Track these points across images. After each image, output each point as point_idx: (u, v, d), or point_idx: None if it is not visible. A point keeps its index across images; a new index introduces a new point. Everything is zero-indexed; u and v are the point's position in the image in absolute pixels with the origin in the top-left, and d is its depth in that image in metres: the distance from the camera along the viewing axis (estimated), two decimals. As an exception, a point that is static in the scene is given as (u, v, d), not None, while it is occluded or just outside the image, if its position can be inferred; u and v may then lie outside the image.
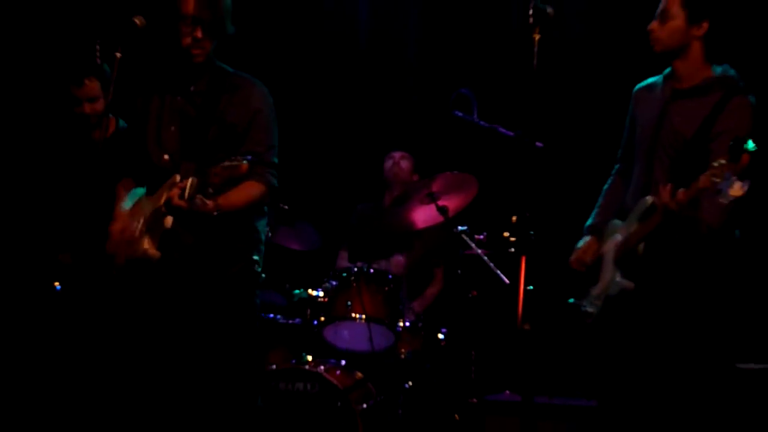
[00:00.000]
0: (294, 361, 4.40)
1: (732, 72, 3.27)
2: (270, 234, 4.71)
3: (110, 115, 3.95)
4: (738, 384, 3.86)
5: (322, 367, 4.24)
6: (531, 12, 3.03)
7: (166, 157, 3.25)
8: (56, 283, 4.01)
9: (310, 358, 4.40)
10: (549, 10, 3.04)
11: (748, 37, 4.61)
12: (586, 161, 4.92)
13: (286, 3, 5.85)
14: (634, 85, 3.56)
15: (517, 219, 3.05)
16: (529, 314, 2.93)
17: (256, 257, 3.34)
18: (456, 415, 4.61)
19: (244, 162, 2.91)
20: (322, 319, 4.51)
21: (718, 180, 2.86)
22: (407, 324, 4.53)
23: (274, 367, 4.29)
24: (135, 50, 3.18)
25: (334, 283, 4.56)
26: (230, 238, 3.27)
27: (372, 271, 4.55)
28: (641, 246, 3.26)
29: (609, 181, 3.66)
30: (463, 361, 4.60)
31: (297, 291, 4.78)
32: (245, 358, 3.28)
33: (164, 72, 3.34)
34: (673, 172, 3.22)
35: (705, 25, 3.24)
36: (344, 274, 4.55)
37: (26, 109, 4.97)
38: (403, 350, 4.52)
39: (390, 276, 4.59)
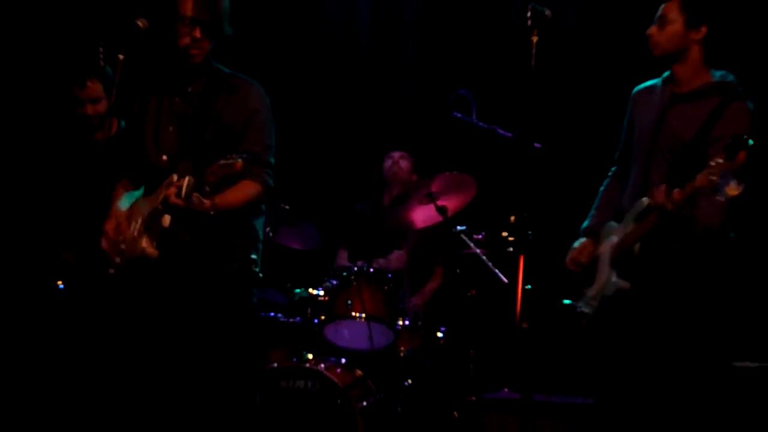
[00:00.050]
0: (295, 360, 4.39)
1: (731, 77, 3.27)
2: (271, 234, 4.71)
3: (112, 116, 3.94)
4: (734, 382, 3.86)
5: (322, 365, 4.24)
6: (529, 14, 3.03)
7: (164, 157, 3.24)
8: (59, 282, 4.00)
9: (310, 356, 4.40)
10: (547, 12, 3.04)
11: (746, 41, 4.60)
12: (583, 162, 4.91)
13: (286, 5, 5.84)
14: (632, 87, 3.55)
15: (515, 219, 3.05)
16: (527, 313, 2.93)
17: (254, 256, 3.33)
18: (455, 413, 4.60)
19: (239, 160, 2.91)
20: (323, 317, 4.50)
21: (715, 178, 2.85)
22: (407, 322, 4.53)
23: (275, 365, 4.29)
24: (137, 52, 3.17)
25: (334, 282, 4.56)
26: (228, 237, 3.26)
27: (372, 270, 4.55)
28: (637, 246, 3.26)
29: (606, 183, 3.66)
30: (462, 360, 4.60)
31: (298, 290, 4.78)
32: (243, 356, 3.27)
33: (162, 73, 3.32)
34: (671, 175, 3.22)
35: (703, 29, 3.24)
36: (344, 274, 4.54)
37: (30, 110, 4.96)
38: (402, 348, 4.51)
39: (389, 275, 4.58)
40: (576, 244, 3.53)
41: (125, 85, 3.16)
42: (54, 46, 5.06)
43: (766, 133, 3.19)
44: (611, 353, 3.39)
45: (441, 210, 4.34)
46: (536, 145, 3.68)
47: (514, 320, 2.93)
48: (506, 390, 4.58)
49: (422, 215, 4.51)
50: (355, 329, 4.54)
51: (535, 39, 3.03)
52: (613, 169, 3.65)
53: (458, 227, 4.51)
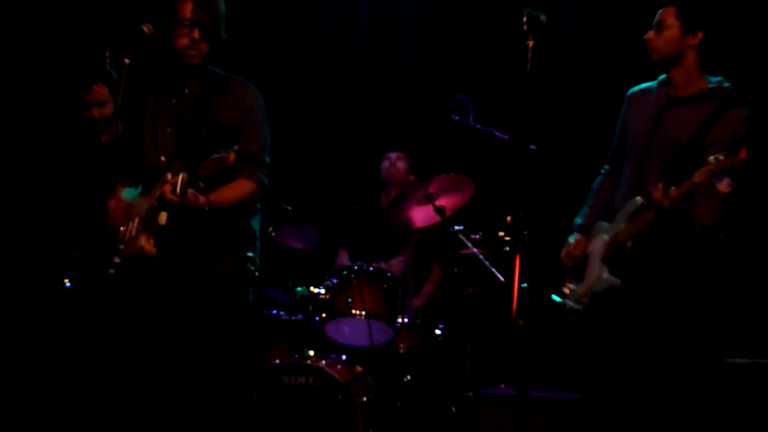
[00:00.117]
0: (296, 356, 4.39)
1: (727, 84, 3.28)
2: (274, 233, 4.71)
3: (118, 119, 3.94)
4: (725, 378, 3.85)
5: (323, 362, 4.24)
6: (525, 20, 3.03)
7: (162, 158, 3.24)
8: (66, 281, 4.00)
9: (312, 353, 4.39)
10: (542, 17, 3.04)
11: (742, 46, 4.61)
12: (577, 164, 4.91)
13: (286, 7, 5.84)
14: (625, 91, 3.56)
15: (511, 219, 3.06)
16: (523, 310, 2.93)
17: (251, 254, 3.32)
18: (453, 408, 4.61)
19: (231, 153, 2.91)
20: (324, 315, 4.50)
21: (714, 170, 2.86)
22: (406, 320, 4.53)
23: (277, 361, 4.29)
24: (143, 56, 3.17)
25: (334, 280, 4.55)
26: (225, 236, 3.26)
27: (371, 269, 4.54)
28: (629, 243, 3.26)
29: (598, 181, 3.65)
30: (460, 356, 4.60)
31: (299, 288, 4.77)
32: (239, 353, 3.26)
33: (158, 74, 3.32)
34: (667, 176, 3.22)
35: (699, 34, 3.25)
36: (345, 272, 4.54)
37: (38, 113, 4.96)
38: (401, 345, 4.51)
39: (389, 274, 4.58)
40: (571, 239, 3.54)
41: (127, 87, 3.16)
42: (61, 51, 5.06)
43: (760, 139, 3.22)
44: (602, 349, 3.38)
45: (439, 210, 4.34)
46: (532, 147, 3.68)
47: (511, 317, 2.93)
48: (503, 386, 4.58)
49: (421, 215, 4.52)
50: (355, 326, 4.54)
51: (530, 44, 3.03)
52: (605, 167, 3.65)
53: (456, 227, 4.51)
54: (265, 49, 5.79)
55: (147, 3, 3.29)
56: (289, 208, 4.80)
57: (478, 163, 5.04)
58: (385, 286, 4.51)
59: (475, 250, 4.47)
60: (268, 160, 3.31)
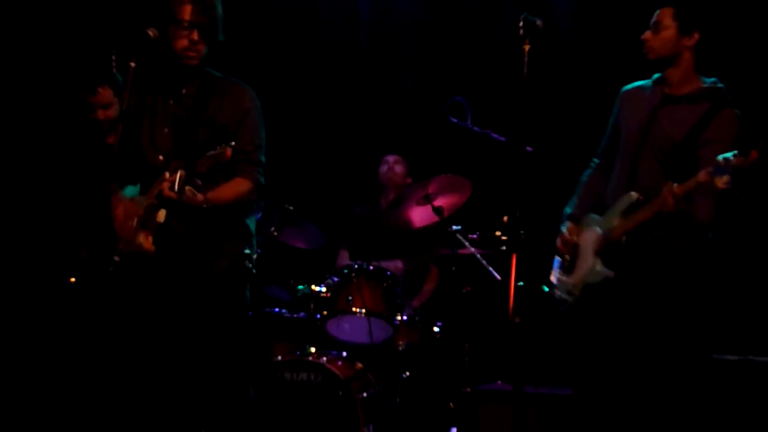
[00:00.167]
0: (298, 353, 4.39)
1: (721, 85, 3.29)
2: (276, 233, 4.71)
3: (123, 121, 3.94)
4: (717, 375, 3.86)
5: (324, 358, 4.24)
6: (521, 24, 3.04)
7: (160, 157, 3.25)
8: (72, 279, 4.01)
9: (313, 349, 4.40)
10: (538, 22, 3.05)
11: (737, 48, 4.63)
12: (573, 165, 4.90)
13: (286, 11, 5.84)
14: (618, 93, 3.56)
15: (508, 219, 3.06)
16: (519, 308, 2.93)
17: (247, 251, 3.33)
18: (450, 404, 4.61)
19: (228, 148, 2.93)
20: (325, 313, 4.51)
21: (720, 168, 2.86)
22: (405, 318, 4.54)
23: (279, 358, 4.29)
24: (147, 59, 3.18)
25: (335, 279, 4.56)
26: (221, 234, 3.26)
27: (371, 268, 4.55)
28: (624, 238, 3.26)
29: (587, 174, 3.63)
30: (458, 353, 4.60)
31: (301, 287, 4.78)
32: (236, 349, 3.27)
33: (157, 75, 3.32)
34: (663, 173, 3.22)
35: (696, 35, 3.26)
36: (345, 271, 4.55)
37: (45, 115, 4.97)
38: (400, 342, 4.52)
39: (388, 272, 4.59)
40: (563, 228, 3.52)
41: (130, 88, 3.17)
42: (68, 55, 5.06)
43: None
44: (594, 342, 3.37)
45: (437, 210, 4.34)
46: (528, 148, 3.69)
47: (507, 315, 2.94)
48: (499, 382, 4.58)
49: (420, 215, 4.52)
50: (355, 324, 4.55)
51: (527, 47, 3.04)
52: (594, 160, 3.64)
53: (454, 227, 4.52)
54: (268, 55, 5.79)
55: (146, 5, 3.30)
56: (292, 208, 4.81)
57: (475, 164, 5.04)
58: (385, 284, 4.52)
59: (473, 249, 4.48)
60: (263, 159, 3.32)
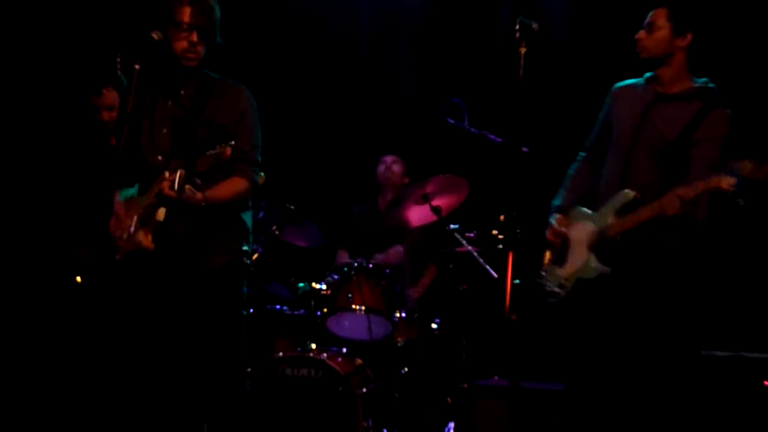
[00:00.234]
0: (299, 349, 4.39)
1: (712, 85, 3.28)
2: (278, 232, 4.71)
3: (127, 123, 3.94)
4: (710, 371, 3.86)
5: (324, 355, 4.24)
6: (517, 27, 3.04)
7: (159, 157, 3.25)
8: (78, 279, 4.00)
9: (314, 346, 4.40)
10: (534, 25, 3.05)
11: (730, 49, 4.63)
12: (568, 165, 4.91)
13: (287, 12, 5.83)
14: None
15: (504, 218, 3.06)
16: (515, 306, 2.93)
17: (245, 248, 3.34)
18: (448, 399, 4.61)
19: (228, 147, 2.93)
20: (325, 310, 4.51)
21: (731, 180, 2.85)
22: (403, 314, 4.54)
23: (280, 354, 4.29)
24: (151, 61, 3.18)
25: (335, 277, 4.56)
26: (219, 231, 3.26)
27: (371, 266, 4.55)
28: (620, 236, 3.24)
29: (575, 168, 3.60)
30: (455, 349, 4.60)
31: (301, 284, 4.78)
32: (233, 344, 3.26)
33: (155, 76, 3.31)
34: (657, 172, 3.21)
35: (689, 36, 3.25)
36: (345, 269, 4.55)
37: (50, 116, 4.96)
38: (399, 339, 4.52)
39: (387, 270, 4.59)
40: (552, 220, 3.48)
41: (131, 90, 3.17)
42: (73, 57, 5.06)
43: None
44: (588, 337, 3.35)
45: (435, 210, 4.34)
46: (524, 149, 3.69)
47: (504, 312, 2.94)
48: (496, 377, 4.58)
49: (418, 215, 4.52)
50: (355, 321, 4.54)
51: (523, 50, 3.04)
52: (582, 154, 3.61)
53: (451, 226, 4.52)
54: (268, 56, 5.79)
55: (147, 8, 3.30)
56: (293, 207, 4.81)
57: (472, 165, 5.04)
58: (384, 282, 4.52)
59: (470, 247, 4.48)
60: (260, 159, 3.32)
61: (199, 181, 3.05)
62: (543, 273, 3.47)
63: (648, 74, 3.38)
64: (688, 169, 3.16)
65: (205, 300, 3.23)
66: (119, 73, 3.99)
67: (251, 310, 4.65)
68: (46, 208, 4.43)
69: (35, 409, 4.13)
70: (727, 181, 2.88)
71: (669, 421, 3.21)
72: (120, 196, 3.31)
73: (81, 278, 3.99)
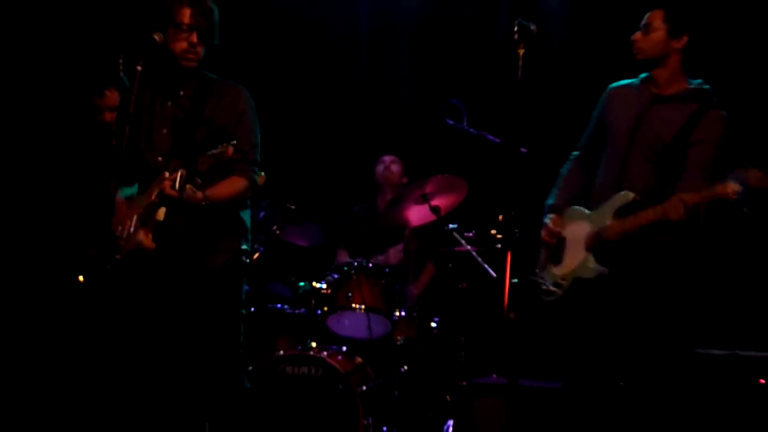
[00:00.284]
0: (300, 348, 4.39)
1: (707, 86, 3.27)
2: (279, 231, 4.71)
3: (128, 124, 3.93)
4: (706, 369, 3.85)
5: (325, 353, 4.24)
6: (516, 29, 3.03)
7: (159, 158, 3.24)
8: (80, 278, 4.00)
9: (314, 344, 4.39)
10: (532, 27, 3.04)
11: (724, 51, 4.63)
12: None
13: (287, 12, 5.83)
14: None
15: (503, 218, 3.05)
16: (513, 304, 2.92)
17: (244, 247, 3.33)
18: (447, 397, 4.61)
19: (230, 147, 2.93)
20: (325, 309, 4.50)
21: (737, 188, 2.84)
22: (403, 313, 4.53)
23: (281, 353, 4.29)
24: (153, 63, 3.17)
25: (336, 276, 4.55)
26: (219, 229, 3.26)
27: (371, 265, 4.54)
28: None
29: (567, 167, 3.57)
30: (454, 347, 4.60)
31: (302, 283, 4.78)
32: (231, 343, 3.26)
33: (154, 76, 3.31)
34: (655, 174, 3.20)
35: (685, 38, 3.24)
36: (345, 268, 4.54)
37: (54, 117, 4.96)
38: (399, 337, 4.51)
39: (387, 270, 4.58)
40: (547, 219, 3.46)
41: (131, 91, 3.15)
42: (76, 58, 5.06)
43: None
44: (583, 336, 3.34)
45: (434, 209, 4.34)
46: (522, 149, 3.68)
47: (502, 311, 2.93)
48: (495, 375, 4.58)
49: (417, 214, 4.52)
50: (355, 320, 4.54)
51: (521, 52, 3.03)
52: (575, 153, 3.59)
53: (450, 225, 4.51)
54: (269, 57, 5.79)
55: (147, 9, 3.29)
56: (293, 207, 4.80)
57: (471, 165, 5.03)
58: (383, 281, 4.51)
59: (469, 247, 4.47)
60: (259, 158, 3.32)
61: (199, 181, 3.05)
62: (538, 271, 3.46)
63: (643, 75, 3.37)
64: (684, 170, 3.15)
65: (205, 299, 3.23)
66: (121, 74, 3.98)
67: (252, 309, 4.65)
68: (49, 208, 4.42)
69: (36, 407, 4.12)
70: (733, 189, 2.86)
71: (665, 419, 3.20)
72: (120, 194, 3.31)
73: (84, 277, 3.98)
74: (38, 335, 4.29)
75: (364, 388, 4.22)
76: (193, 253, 3.23)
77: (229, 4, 3.47)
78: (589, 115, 3.58)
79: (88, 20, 5.21)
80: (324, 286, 4.55)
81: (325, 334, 4.57)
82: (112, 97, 3.92)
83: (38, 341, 4.28)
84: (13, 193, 4.75)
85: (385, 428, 4.30)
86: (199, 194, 3.07)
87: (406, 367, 4.50)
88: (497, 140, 4.25)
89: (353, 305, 4.42)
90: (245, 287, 3.37)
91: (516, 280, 2.91)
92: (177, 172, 3.00)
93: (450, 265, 4.58)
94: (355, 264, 4.53)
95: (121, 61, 4.00)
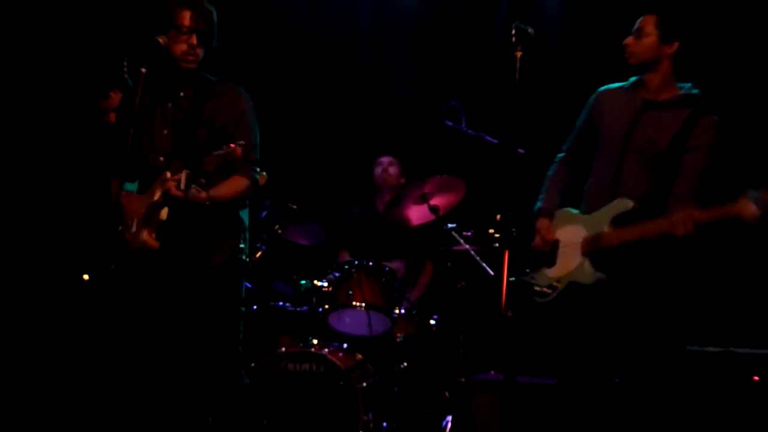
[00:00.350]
0: (301, 345, 4.39)
1: (695, 91, 3.26)
2: (280, 231, 4.71)
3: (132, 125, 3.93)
4: (701, 366, 3.85)
5: (326, 350, 4.24)
6: (513, 32, 3.03)
7: (161, 158, 3.25)
8: (85, 277, 4.00)
9: (315, 341, 4.39)
10: (530, 30, 3.04)
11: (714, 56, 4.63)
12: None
13: (287, 13, 5.83)
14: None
15: (500, 217, 3.05)
16: (511, 302, 2.93)
17: (242, 245, 3.34)
18: (446, 393, 4.61)
19: (238, 147, 2.94)
20: (327, 306, 4.50)
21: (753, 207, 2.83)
22: (402, 311, 4.53)
23: (283, 349, 4.29)
24: (157, 65, 3.18)
25: (337, 274, 4.55)
26: (219, 228, 3.27)
27: (371, 264, 4.54)
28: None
29: (554, 169, 3.50)
30: (453, 345, 4.60)
31: (303, 281, 4.77)
32: (231, 340, 3.26)
33: (155, 78, 3.31)
34: (651, 180, 3.19)
35: (676, 44, 3.23)
36: (346, 267, 4.55)
37: (60, 118, 4.96)
38: (398, 335, 4.51)
39: (387, 268, 4.58)
40: (539, 225, 3.39)
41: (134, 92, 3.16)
42: (81, 61, 5.06)
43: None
44: (578, 335, 3.32)
45: (433, 209, 4.34)
46: (520, 150, 3.68)
47: (500, 309, 2.93)
48: (492, 372, 4.58)
49: (416, 214, 4.52)
50: (355, 317, 4.54)
51: (519, 54, 3.03)
52: (560, 155, 3.52)
53: (449, 225, 4.51)
54: (269, 59, 5.78)
55: (147, 12, 3.30)
56: (295, 207, 4.81)
57: (469, 166, 5.03)
58: (384, 280, 4.51)
59: (467, 246, 4.47)
60: (259, 158, 3.32)
61: (203, 181, 3.05)
62: (529, 272, 3.42)
63: (633, 78, 3.34)
64: (678, 176, 3.15)
65: (206, 296, 3.23)
66: (126, 76, 3.99)
67: (255, 307, 4.65)
68: (54, 208, 4.43)
69: (38, 404, 4.13)
70: (753, 213, 2.84)
71: (660, 416, 3.20)
72: (126, 195, 3.31)
73: (88, 276, 3.99)
74: (43, 333, 4.29)
75: (365, 384, 4.22)
76: (194, 252, 3.24)
77: (229, 4, 3.46)
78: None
79: (93, 23, 5.22)
80: (325, 284, 4.55)
81: (327, 331, 4.57)
82: (117, 98, 3.93)
83: (43, 339, 4.28)
84: (19, 194, 4.76)
85: (385, 424, 4.31)
86: (203, 194, 3.08)
87: (405, 364, 4.50)
88: (495, 141, 4.25)
89: (354, 303, 4.42)
90: (245, 285, 3.38)
91: (513, 279, 2.92)
92: (181, 172, 3.00)
93: (449, 263, 4.58)
94: (356, 262, 4.54)
95: (125, 63, 4.00)
